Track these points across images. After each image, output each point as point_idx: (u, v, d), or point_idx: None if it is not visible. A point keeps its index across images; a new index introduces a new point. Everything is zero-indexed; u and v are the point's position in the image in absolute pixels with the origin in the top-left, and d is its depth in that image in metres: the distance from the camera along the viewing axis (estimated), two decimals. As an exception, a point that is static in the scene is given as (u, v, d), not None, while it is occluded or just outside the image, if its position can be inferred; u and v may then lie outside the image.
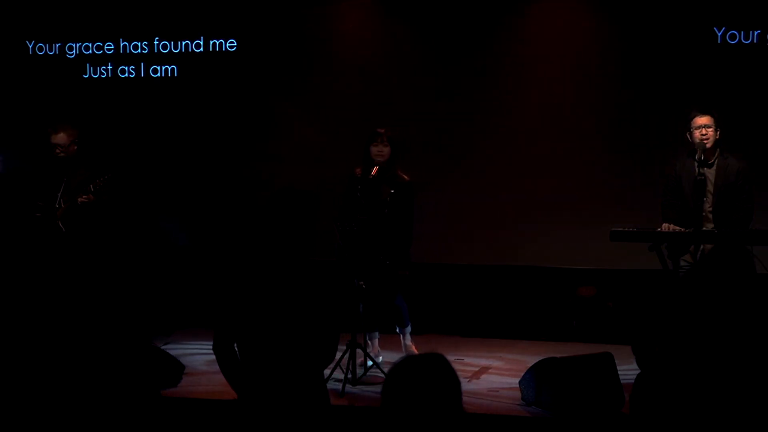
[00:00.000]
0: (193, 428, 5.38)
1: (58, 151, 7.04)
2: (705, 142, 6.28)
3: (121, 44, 8.88)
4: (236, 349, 3.74)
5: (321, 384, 3.77)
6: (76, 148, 7.11)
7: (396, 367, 2.79)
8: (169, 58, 8.80)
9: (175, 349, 7.08)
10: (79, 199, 6.90)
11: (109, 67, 8.90)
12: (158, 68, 8.82)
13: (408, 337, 6.89)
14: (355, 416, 5.59)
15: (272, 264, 3.70)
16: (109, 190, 6.92)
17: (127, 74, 8.88)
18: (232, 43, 8.69)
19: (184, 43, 8.78)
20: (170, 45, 8.79)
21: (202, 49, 8.73)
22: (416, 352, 6.76)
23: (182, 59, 8.78)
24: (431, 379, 2.71)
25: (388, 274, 6.60)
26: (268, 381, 3.63)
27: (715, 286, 3.73)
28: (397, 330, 6.93)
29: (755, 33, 7.74)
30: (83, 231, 6.98)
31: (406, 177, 6.69)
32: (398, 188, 6.61)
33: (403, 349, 6.88)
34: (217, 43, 8.72)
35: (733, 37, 7.77)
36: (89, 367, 4.04)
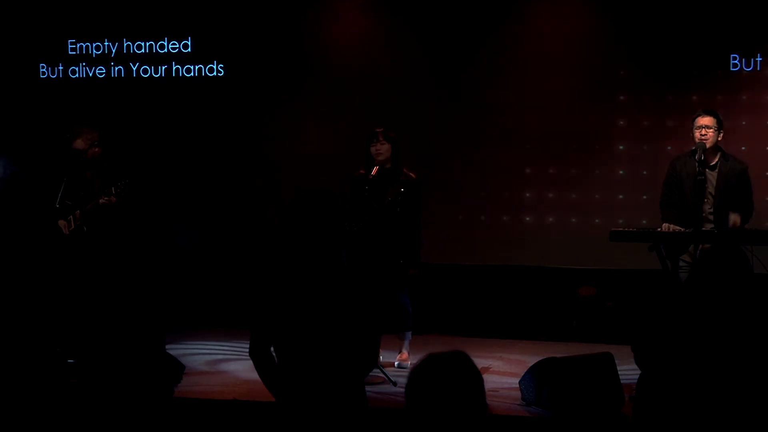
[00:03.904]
0: (193, 428, 5.38)
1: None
2: (704, 142, 6.29)
3: (114, 44, 8.91)
4: (273, 352, 3.67)
5: (360, 389, 3.68)
6: (99, 150, 7.09)
7: (419, 365, 2.76)
8: (167, 58, 8.81)
9: (175, 349, 7.06)
10: (101, 200, 6.94)
11: (109, 68, 8.93)
12: (158, 68, 8.83)
13: (406, 344, 6.80)
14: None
15: (308, 266, 3.63)
16: (129, 193, 6.94)
17: (124, 74, 8.91)
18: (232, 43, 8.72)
19: (183, 42, 8.79)
20: (168, 45, 8.80)
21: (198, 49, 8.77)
22: (407, 361, 6.73)
23: (180, 59, 8.79)
24: (454, 377, 2.69)
25: (396, 271, 6.60)
26: (307, 385, 3.56)
27: (713, 286, 3.73)
28: (398, 335, 6.82)
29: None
30: (103, 231, 7.01)
31: (413, 175, 6.72)
32: (407, 187, 6.65)
33: (398, 354, 6.80)
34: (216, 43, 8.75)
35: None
36: (111, 366, 4.04)
